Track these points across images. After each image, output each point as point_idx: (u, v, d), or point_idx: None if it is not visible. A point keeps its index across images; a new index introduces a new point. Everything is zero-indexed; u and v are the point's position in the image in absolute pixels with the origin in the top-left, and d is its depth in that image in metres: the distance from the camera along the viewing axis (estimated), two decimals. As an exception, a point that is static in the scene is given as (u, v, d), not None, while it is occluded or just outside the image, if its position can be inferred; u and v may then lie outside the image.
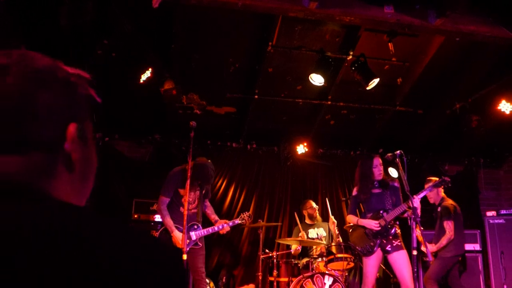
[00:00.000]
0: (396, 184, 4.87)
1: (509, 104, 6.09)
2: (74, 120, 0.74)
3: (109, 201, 6.34)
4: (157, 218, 6.14)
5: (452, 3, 3.89)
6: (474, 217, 6.78)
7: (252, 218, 5.49)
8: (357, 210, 5.05)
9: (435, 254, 5.70)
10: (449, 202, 5.73)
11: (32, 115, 0.69)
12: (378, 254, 4.69)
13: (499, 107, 6.16)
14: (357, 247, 4.80)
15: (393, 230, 4.66)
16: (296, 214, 6.49)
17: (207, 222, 5.20)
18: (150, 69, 5.47)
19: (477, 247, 6.30)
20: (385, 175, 4.91)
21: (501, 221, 6.25)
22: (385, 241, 4.66)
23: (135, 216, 6.28)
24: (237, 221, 5.28)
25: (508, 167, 7.73)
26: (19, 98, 0.69)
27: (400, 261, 4.58)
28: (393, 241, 4.66)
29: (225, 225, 5.06)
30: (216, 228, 5.04)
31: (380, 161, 4.84)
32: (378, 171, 4.78)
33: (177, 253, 0.69)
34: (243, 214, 5.41)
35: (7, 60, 0.72)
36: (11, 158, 0.68)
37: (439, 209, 5.76)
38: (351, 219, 4.93)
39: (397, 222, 4.77)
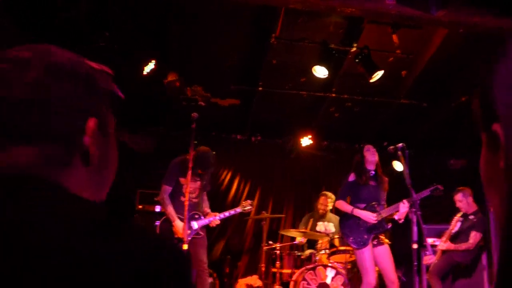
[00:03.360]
0: (386, 183, 4.82)
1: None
2: (94, 115, 0.75)
3: (113, 192, 6.39)
4: (158, 209, 6.19)
5: (454, -7, 3.86)
6: (486, 220, 6.74)
7: (252, 205, 5.46)
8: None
9: (443, 252, 5.75)
10: (481, 215, 5.79)
11: (48, 107, 0.70)
12: (370, 247, 4.57)
13: (506, 100, 6.08)
14: (350, 238, 4.64)
15: (388, 226, 4.62)
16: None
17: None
18: (153, 61, 5.49)
19: (481, 242, 6.26)
20: (381, 170, 4.85)
21: (506, 215, 6.19)
22: (374, 236, 4.61)
23: (140, 206, 6.36)
24: (238, 209, 5.26)
25: (515, 161, 7.63)
26: (37, 90, 0.70)
27: (384, 255, 4.57)
28: (379, 236, 4.65)
29: (216, 217, 5.05)
30: (210, 219, 5.04)
31: (371, 147, 4.79)
32: (372, 158, 4.72)
33: (178, 248, 0.70)
34: (244, 202, 5.38)
35: (29, 54, 0.73)
36: (24, 150, 0.69)
37: (472, 216, 5.78)
38: (344, 206, 4.71)
39: None
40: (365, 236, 4.57)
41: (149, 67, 5.53)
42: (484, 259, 6.17)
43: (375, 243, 4.61)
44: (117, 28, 4.84)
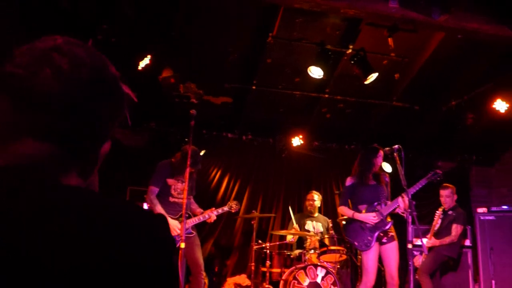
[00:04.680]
0: (387, 178, 4.90)
1: (504, 103, 6.16)
2: (110, 138, 0.79)
3: (103, 189, 6.30)
4: (146, 206, 6.13)
5: (457, 0, 3.92)
6: (465, 213, 6.87)
7: (239, 205, 5.51)
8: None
9: (429, 249, 5.85)
10: (460, 209, 5.95)
11: (86, 116, 0.72)
12: (376, 247, 4.64)
13: (494, 106, 6.23)
14: (354, 242, 4.72)
15: (390, 224, 4.68)
16: (290, 207, 6.50)
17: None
18: (149, 56, 5.42)
19: (467, 242, 6.39)
20: (378, 169, 4.93)
21: (491, 217, 6.34)
22: (382, 234, 4.68)
23: (129, 203, 6.26)
24: (226, 208, 5.31)
25: (500, 165, 7.82)
26: (83, 95, 0.72)
27: (392, 252, 4.62)
28: (389, 232, 4.70)
29: (213, 213, 5.09)
30: (207, 216, 5.07)
31: (382, 154, 4.85)
32: (379, 162, 4.78)
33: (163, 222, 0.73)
34: (230, 202, 5.44)
35: (84, 55, 0.74)
36: (41, 146, 0.70)
37: (450, 212, 5.93)
38: (345, 211, 4.82)
39: None
40: (369, 238, 4.63)
41: (144, 62, 5.45)
42: (469, 259, 6.31)
43: (385, 240, 4.66)
44: (118, 23, 4.77)
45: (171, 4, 5.02)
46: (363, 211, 4.73)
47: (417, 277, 5.74)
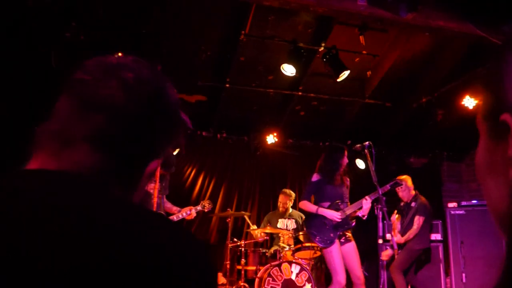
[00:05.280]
0: (348, 182, 4.94)
1: (472, 99, 6.30)
2: (159, 157, 0.80)
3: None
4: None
5: (423, -2, 4.00)
6: (436, 208, 7.00)
7: (212, 204, 5.52)
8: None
9: (400, 246, 5.92)
10: (423, 199, 5.99)
11: (144, 132, 0.75)
12: (338, 245, 4.64)
13: (463, 102, 6.36)
14: (316, 238, 4.69)
15: (353, 223, 4.73)
16: (247, 217, 6.51)
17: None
18: (119, 54, 5.35)
19: (438, 237, 6.52)
20: (344, 170, 4.96)
21: (461, 212, 6.47)
22: (341, 233, 4.72)
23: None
24: (199, 207, 5.32)
25: (470, 160, 8.00)
26: (145, 111, 0.75)
27: (351, 252, 4.65)
28: (346, 233, 4.74)
29: (192, 210, 5.08)
30: (184, 214, 5.04)
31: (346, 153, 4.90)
32: (345, 162, 4.84)
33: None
34: (203, 201, 5.45)
35: (150, 76, 0.78)
36: (98, 155, 0.72)
37: (413, 204, 5.97)
38: (308, 206, 4.76)
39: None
40: (331, 235, 4.63)
41: (115, 60, 5.38)
42: (441, 253, 6.43)
43: (343, 240, 4.70)
44: (85, 19, 4.69)
45: (143, 1, 4.97)
46: (327, 208, 4.75)
47: (390, 272, 5.82)
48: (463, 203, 6.58)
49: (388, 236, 6.11)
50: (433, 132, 7.32)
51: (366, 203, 4.54)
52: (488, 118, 0.54)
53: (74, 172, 0.70)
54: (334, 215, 4.61)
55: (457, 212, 6.49)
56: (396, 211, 6.09)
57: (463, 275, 6.17)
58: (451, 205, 6.59)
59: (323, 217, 4.66)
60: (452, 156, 8.05)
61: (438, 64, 6.18)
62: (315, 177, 4.84)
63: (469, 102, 6.32)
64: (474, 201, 6.61)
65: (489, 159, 0.54)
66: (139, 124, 0.74)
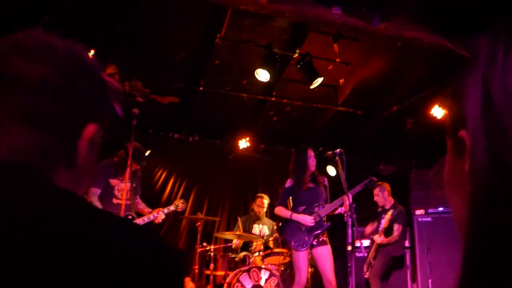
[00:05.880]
0: (326, 182, 4.99)
1: (441, 109, 6.46)
2: (94, 121, 0.76)
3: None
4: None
5: (396, 9, 4.08)
6: (404, 212, 7.13)
7: (185, 204, 5.36)
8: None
9: (377, 247, 5.98)
10: (401, 207, 6.07)
11: (63, 97, 0.71)
12: (308, 248, 4.71)
13: (431, 112, 6.52)
14: (291, 242, 4.74)
15: (326, 226, 4.77)
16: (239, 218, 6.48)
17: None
18: (92, 51, 5.25)
19: (406, 243, 6.63)
20: (316, 171, 5.00)
21: (428, 219, 6.61)
22: (316, 235, 4.76)
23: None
24: (172, 207, 5.13)
25: (437, 168, 8.19)
26: (59, 77, 0.71)
27: (325, 256, 4.69)
28: (320, 236, 4.78)
29: (160, 212, 4.92)
30: (151, 217, 4.90)
31: (313, 153, 4.93)
32: (312, 162, 4.85)
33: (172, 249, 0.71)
34: (177, 201, 5.27)
35: (62, 44, 0.75)
36: (24, 133, 0.68)
37: (391, 211, 5.99)
38: (283, 212, 4.81)
39: None
40: (306, 238, 4.69)
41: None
42: (408, 259, 6.55)
43: (315, 243, 4.73)
44: (59, 14, 4.58)
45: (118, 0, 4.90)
46: (302, 212, 4.79)
47: (369, 278, 5.87)
48: (430, 210, 6.72)
49: (357, 243, 6.18)
50: (403, 140, 7.47)
51: (347, 199, 4.57)
52: (451, 135, 0.56)
53: (11, 159, 0.67)
54: (307, 220, 4.66)
55: (424, 219, 6.63)
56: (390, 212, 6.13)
57: (429, 281, 6.30)
58: (418, 212, 6.72)
59: (297, 222, 4.72)
60: (420, 164, 8.22)
61: (409, 74, 6.32)
62: (288, 183, 4.89)
63: (437, 111, 6.48)
64: (440, 209, 6.77)
65: (452, 174, 0.57)
66: (62, 92, 0.71)
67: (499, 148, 0.46)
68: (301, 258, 4.66)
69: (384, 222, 6.03)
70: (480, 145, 0.48)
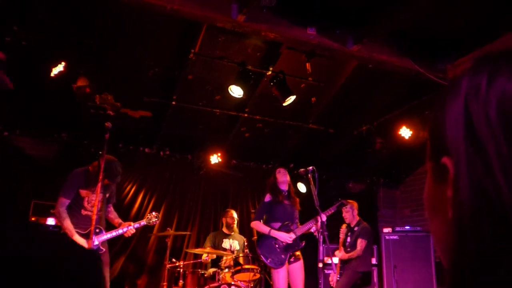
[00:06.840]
0: (297, 203, 5.07)
1: (408, 130, 6.65)
2: None
3: (2, 202, 5.84)
4: (51, 222, 5.69)
5: (369, 32, 4.20)
6: (370, 228, 7.26)
7: (159, 218, 5.17)
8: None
9: (343, 262, 6.03)
10: (366, 224, 6.17)
11: None
12: (286, 265, 4.78)
13: (400, 132, 6.70)
14: (268, 259, 4.77)
15: (302, 244, 4.82)
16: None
17: (110, 227, 4.93)
18: (63, 63, 5.16)
19: (373, 261, 6.73)
20: (293, 189, 5.09)
21: (395, 237, 6.74)
22: (291, 254, 4.80)
23: (33, 218, 5.83)
24: (143, 222, 4.93)
25: (404, 187, 8.39)
26: None
27: (298, 271, 4.78)
28: (295, 253, 4.84)
29: (130, 227, 4.75)
30: (120, 231, 4.72)
31: (283, 169, 5.02)
32: (282, 178, 4.94)
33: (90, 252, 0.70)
34: (149, 215, 5.06)
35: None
36: None
37: (356, 228, 6.10)
38: (260, 227, 4.85)
39: None
40: (283, 256, 4.74)
41: (58, 69, 5.19)
42: (375, 276, 6.64)
43: (292, 260, 4.79)
44: (28, 25, 4.49)
45: (90, 12, 4.84)
46: (278, 229, 4.83)
47: None
48: (397, 228, 6.86)
49: (328, 260, 6.22)
50: (372, 159, 7.62)
51: (315, 224, 4.68)
52: (432, 158, 0.56)
53: None
54: (286, 238, 4.71)
55: (391, 237, 6.75)
56: (345, 225, 6.20)
57: (396, 298, 6.39)
58: (386, 230, 6.85)
59: (274, 239, 4.75)
60: (388, 183, 8.40)
61: (379, 95, 6.48)
62: (267, 198, 4.96)
63: (405, 132, 6.67)
64: (407, 227, 6.92)
65: (432, 197, 0.57)
66: None
67: (483, 182, 0.47)
68: (281, 277, 4.70)
69: (341, 236, 6.14)
70: (464, 178, 0.48)
